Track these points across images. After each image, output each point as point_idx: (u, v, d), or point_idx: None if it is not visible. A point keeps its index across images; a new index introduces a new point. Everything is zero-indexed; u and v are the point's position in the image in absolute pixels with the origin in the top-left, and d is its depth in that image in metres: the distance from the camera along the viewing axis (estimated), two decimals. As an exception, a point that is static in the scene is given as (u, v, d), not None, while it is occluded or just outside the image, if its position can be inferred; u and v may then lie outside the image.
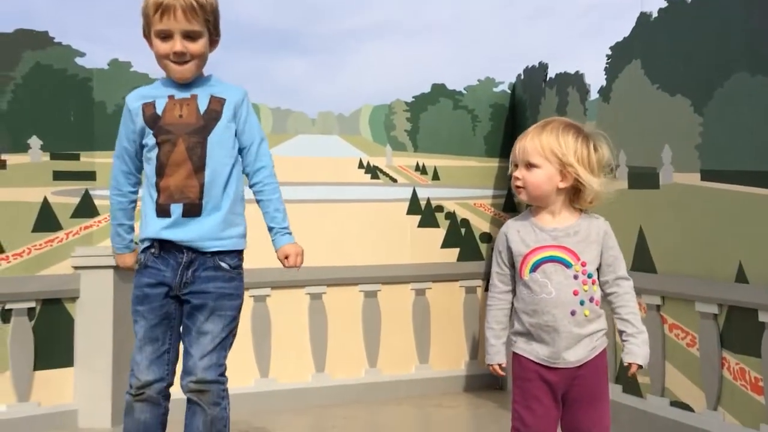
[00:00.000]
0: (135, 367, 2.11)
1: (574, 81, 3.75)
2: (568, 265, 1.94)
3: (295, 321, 3.72)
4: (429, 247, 4.06)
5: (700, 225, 2.91)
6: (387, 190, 4.02)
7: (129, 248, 2.25)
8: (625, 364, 1.96)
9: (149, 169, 2.13)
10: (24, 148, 3.18)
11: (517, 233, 2.00)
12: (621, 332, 1.99)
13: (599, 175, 1.97)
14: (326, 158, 3.88)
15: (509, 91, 4.35)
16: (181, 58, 2.11)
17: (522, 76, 4.29)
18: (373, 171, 3.99)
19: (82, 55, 3.27)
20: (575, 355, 1.92)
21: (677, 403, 3.03)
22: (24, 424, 3.04)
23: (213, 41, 2.21)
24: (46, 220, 3.19)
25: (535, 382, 1.93)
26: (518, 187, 1.99)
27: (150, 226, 2.12)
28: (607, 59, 3.48)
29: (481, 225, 4.17)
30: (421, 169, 4.12)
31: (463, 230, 4.15)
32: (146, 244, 2.14)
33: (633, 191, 3.30)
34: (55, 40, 3.25)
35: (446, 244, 4.12)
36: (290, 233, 2.26)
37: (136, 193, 2.24)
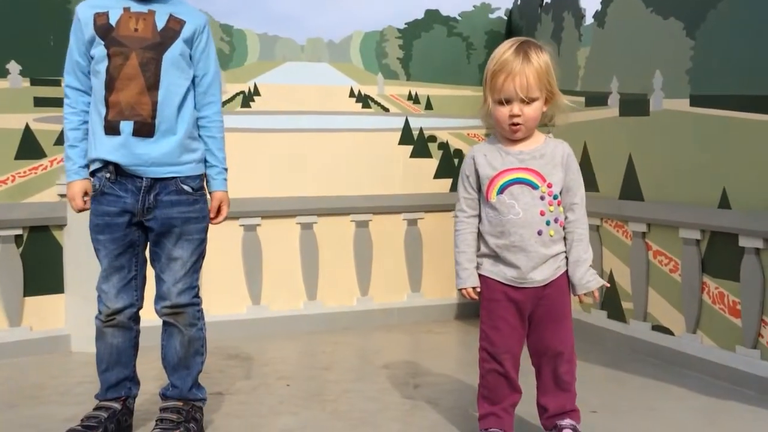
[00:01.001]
0: (103, 295, 2.19)
1: (569, 5, 3.76)
2: (534, 187, 2.03)
3: (286, 250, 3.86)
4: (421, 177, 4.15)
5: (687, 152, 2.98)
6: (378, 120, 4.08)
7: (80, 174, 2.17)
8: (583, 283, 2.07)
9: (97, 83, 2.11)
10: (3, 74, 3.22)
11: (484, 157, 2.09)
12: (568, 258, 2.08)
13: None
14: (316, 86, 3.93)
15: (505, 18, 4.35)
16: None
17: (518, 2, 4.28)
18: (365, 100, 4.05)
19: None
20: (541, 275, 2.04)
21: (658, 327, 3.18)
22: (17, 347, 3.21)
23: None
24: (29, 147, 3.25)
25: (502, 302, 2.06)
26: (518, 124, 2.02)
27: (100, 145, 2.10)
28: (603, -18, 3.50)
29: (474, 155, 4.25)
30: (414, 99, 4.17)
31: (456, 160, 4.23)
32: (97, 165, 2.13)
33: (623, 118, 3.37)
34: (30, -44, 3.21)
35: (439, 174, 4.21)
36: (226, 178, 2.28)
37: (89, 112, 2.18)
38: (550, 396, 2.08)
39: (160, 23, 2.14)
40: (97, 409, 2.22)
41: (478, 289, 2.11)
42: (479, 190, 2.10)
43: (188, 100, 2.18)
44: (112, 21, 2.11)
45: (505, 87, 1.98)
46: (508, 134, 2.04)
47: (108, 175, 2.12)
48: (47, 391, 2.80)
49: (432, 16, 4.23)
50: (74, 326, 3.36)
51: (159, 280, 2.21)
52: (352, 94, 4.03)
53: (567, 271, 2.07)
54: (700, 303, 2.93)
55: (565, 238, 2.08)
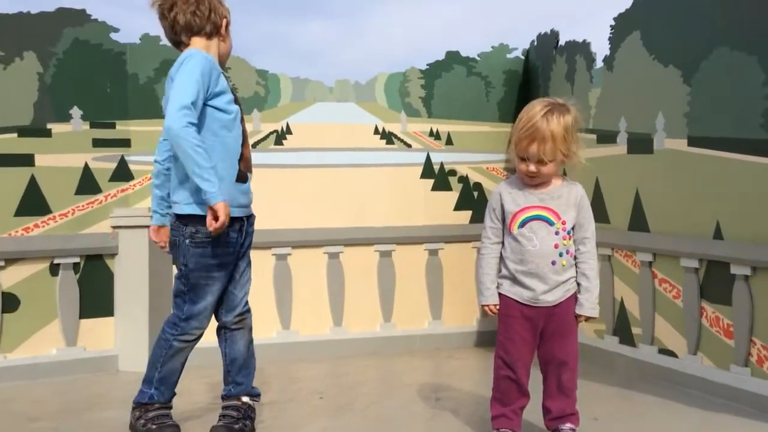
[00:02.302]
0: (204, 319, 2.71)
1: (581, 49, 4.30)
2: (551, 223, 2.57)
3: (314, 278, 4.39)
4: (442, 209, 4.67)
5: (685, 188, 3.49)
6: (402, 155, 4.63)
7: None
8: (576, 313, 2.59)
9: (231, 137, 2.66)
10: (66, 118, 3.86)
11: (509, 194, 2.62)
12: (578, 284, 2.60)
13: (579, 141, 2.57)
14: (343, 125, 4.50)
15: (523, 57, 4.90)
16: None
17: (535, 43, 4.84)
18: (389, 137, 4.61)
19: (117, 30, 3.94)
20: (553, 297, 2.56)
21: (664, 350, 3.65)
22: (72, 366, 3.78)
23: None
24: (88, 183, 3.88)
25: (518, 318, 2.58)
26: (533, 176, 2.55)
27: (234, 194, 2.64)
28: (611, 29, 4.03)
29: (493, 188, 4.76)
30: (435, 135, 4.72)
31: (475, 193, 4.75)
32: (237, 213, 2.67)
33: (631, 156, 3.88)
34: (92, 17, 3.90)
35: (459, 206, 4.72)
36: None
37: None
38: (554, 399, 2.58)
39: None
40: (166, 411, 2.76)
41: (498, 305, 2.63)
42: (503, 221, 2.63)
43: None
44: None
45: (527, 149, 2.52)
46: (526, 181, 2.58)
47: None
48: (105, 400, 3.33)
49: (452, 57, 4.79)
50: (122, 347, 3.93)
51: (231, 294, 2.77)
52: (376, 132, 4.59)
53: (575, 293, 2.59)
54: (700, 326, 3.40)
55: (576, 266, 2.59)
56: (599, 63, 4.15)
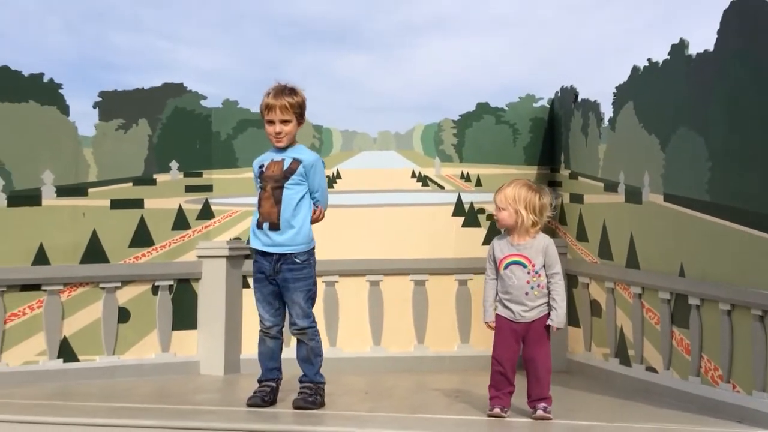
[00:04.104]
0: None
1: (593, 108, 6.31)
2: (524, 266, 4.59)
3: (357, 303, 6.44)
4: (471, 244, 6.67)
5: (661, 234, 5.47)
6: (436, 196, 6.68)
7: None
8: (548, 324, 4.61)
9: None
10: (167, 169, 6.07)
11: (498, 246, 4.67)
12: (549, 305, 4.62)
13: (543, 212, 4.62)
14: (385, 170, 6.57)
15: (548, 106, 6.93)
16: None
17: (559, 94, 6.86)
18: (424, 180, 6.66)
19: (205, 98, 6.17)
20: (530, 316, 4.57)
21: (650, 368, 5.61)
22: (165, 368, 5.95)
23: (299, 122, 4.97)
24: (180, 221, 6.07)
25: (507, 330, 4.60)
26: (497, 219, 4.68)
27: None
28: (613, 96, 6.05)
29: (517, 226, 6.81)
30: (466, 177, 6.75)
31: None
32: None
33: (627, 205, 5.88)
34: (187, 89, 6.11)
35: (487, 241, 6.66)
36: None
37: None
38: (532, 387, 4.58)
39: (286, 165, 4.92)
40: (261, 386, 4.85)
41: (494, 323, 4.66)
42: (495, 264, 4.67)
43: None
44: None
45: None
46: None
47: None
48: (194, 393, 5.43)
49: (482, 107, 6.83)
50: (203, 355, 6.06)
51: (289, 314, 4.92)
52: (413, 175, 6.66)
53: (547, 313, 4.61)
54: (671, 347, 5.38)
55: (549, 293, 4.62)
56: (606, 122, 6.17)
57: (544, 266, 4.64)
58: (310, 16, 7.98)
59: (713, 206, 4.90)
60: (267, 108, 4.93)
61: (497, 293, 4.70)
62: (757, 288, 4.49)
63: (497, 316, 4.68)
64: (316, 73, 7.70)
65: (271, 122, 4.93)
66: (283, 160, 4.94)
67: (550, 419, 4.59)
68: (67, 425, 4.52)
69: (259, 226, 4.89)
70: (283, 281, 4.89)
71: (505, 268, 4.64)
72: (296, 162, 4.92)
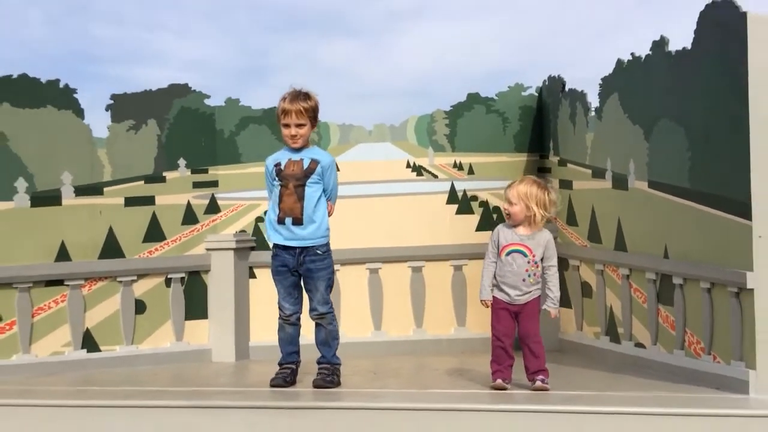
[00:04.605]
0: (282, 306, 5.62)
1: (580, 98, 7.03)
2: (525, 255, 5.33)
3: (358, 290, 7.15)
4: (465, 230, 7.39)
5: (646, 219, 6.23)
6: (429, 185, 7.39)
7: None
8: (544, 307, 5.42)
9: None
10: (175, 167, 6.76)
11: (503, 233, 5.40)
12: (546, 295, 5.39)
13: (550, 208, 5.37)
14: (380, 161, 7.27)
15: (536, 94, 7.65)
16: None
17: (547, 83, 7.58)
18: (418, 169, 7.37)
19: (208, 97, 6.85)
20: (524, 299, 5.33)
21: (638, 344, 6.39)
22: (180, 356, 6.68)
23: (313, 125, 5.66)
24: (189, 216, 6.76)
25: (503, 310, 5.37)
26: (508, 214, 5.41)
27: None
28: (599, 87, 6.78)
29: (509, 212, 7.55)
30: (459, 166, 7.46)
31: (494, 216, 7.47)
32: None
33: (614, 191, 6.63)
34: (192, 89, 6.78)
35: (480, 227, 7.43)
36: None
37: None
38: (529, 361, 5.34)
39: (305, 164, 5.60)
40: (282, 368, 5.56)
41: (490, 302, 5.43)
42: (497, 248, 5.42)
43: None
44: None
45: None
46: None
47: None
48: (214, 377, 6.14)
49: (473, 98, 7.53)
50: (214, 343, 6.78)
51: (309, 299, 5.61)
52: (408, 165, 7.37)
53: (538, 296, 5.39)
54: (657, 323, 6.15)
55: (545, 282, 5.39)
56: (593, 112, 6.91)
57: (542, 258, 5.41)
58: (299, 6, 8.71)
59: (694, 192, 5.66)
60: (283, 112, 5.61)
61: (495, 274, 5.46)
62: (734, 267, 5.25)
63: (494, 297, 5.46)
64: (304, 60, 8.45)
65: (287, 126, 5.61)
66: (301, 160, 5.63)
67: (548, 389, 5.35)
68: (129, 407, 5.20)
69: (281, 221, 5.60)
70: (307, 272, 5.63)
71: (507, 254, 5.40)
72: (315, 162, 5.63)
